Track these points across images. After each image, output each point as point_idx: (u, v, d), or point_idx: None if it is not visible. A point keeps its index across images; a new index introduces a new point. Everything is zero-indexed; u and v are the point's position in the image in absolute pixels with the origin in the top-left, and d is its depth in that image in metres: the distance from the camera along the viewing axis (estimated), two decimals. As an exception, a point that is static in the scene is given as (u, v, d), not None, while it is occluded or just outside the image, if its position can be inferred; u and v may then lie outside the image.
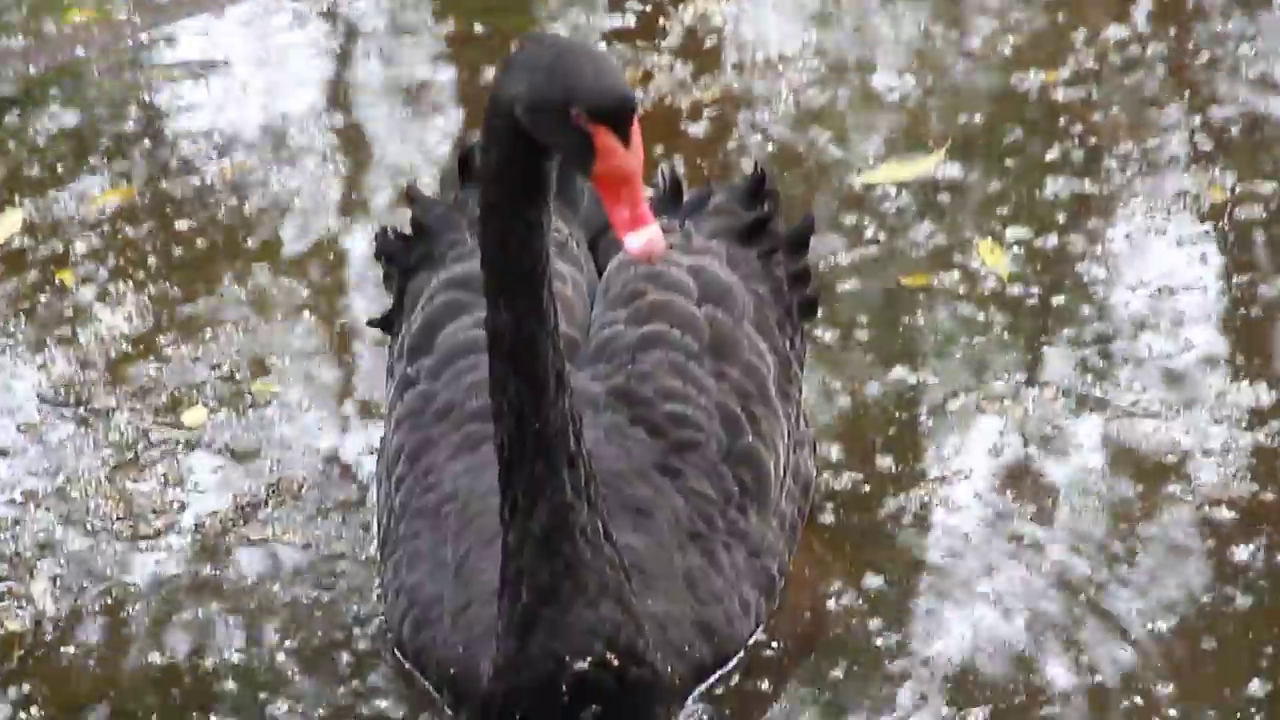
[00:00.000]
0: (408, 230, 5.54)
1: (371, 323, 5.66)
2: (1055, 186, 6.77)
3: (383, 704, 5.02)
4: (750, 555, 5.06)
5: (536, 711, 4.71)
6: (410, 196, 5.60)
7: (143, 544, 5.56)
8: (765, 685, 5.01)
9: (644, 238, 4.28)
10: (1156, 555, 5.34)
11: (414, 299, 5.39)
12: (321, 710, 5.01)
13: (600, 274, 5.36)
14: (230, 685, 5.12)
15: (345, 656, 5.16)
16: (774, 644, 5.09)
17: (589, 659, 4.66)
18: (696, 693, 4.93)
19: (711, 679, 4.97)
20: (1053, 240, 6.52)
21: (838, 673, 5.05)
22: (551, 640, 4.66)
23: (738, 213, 5.43)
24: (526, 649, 4.67)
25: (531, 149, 4.40)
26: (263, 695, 5.07)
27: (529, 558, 4.62)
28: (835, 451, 5.72)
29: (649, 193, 5.56)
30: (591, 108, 4.25)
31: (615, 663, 4.67)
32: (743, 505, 5.07)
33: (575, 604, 4.64)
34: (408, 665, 5.02)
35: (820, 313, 5.70)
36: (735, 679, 4.98)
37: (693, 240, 5.34)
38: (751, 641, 5.05)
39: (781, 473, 5.17)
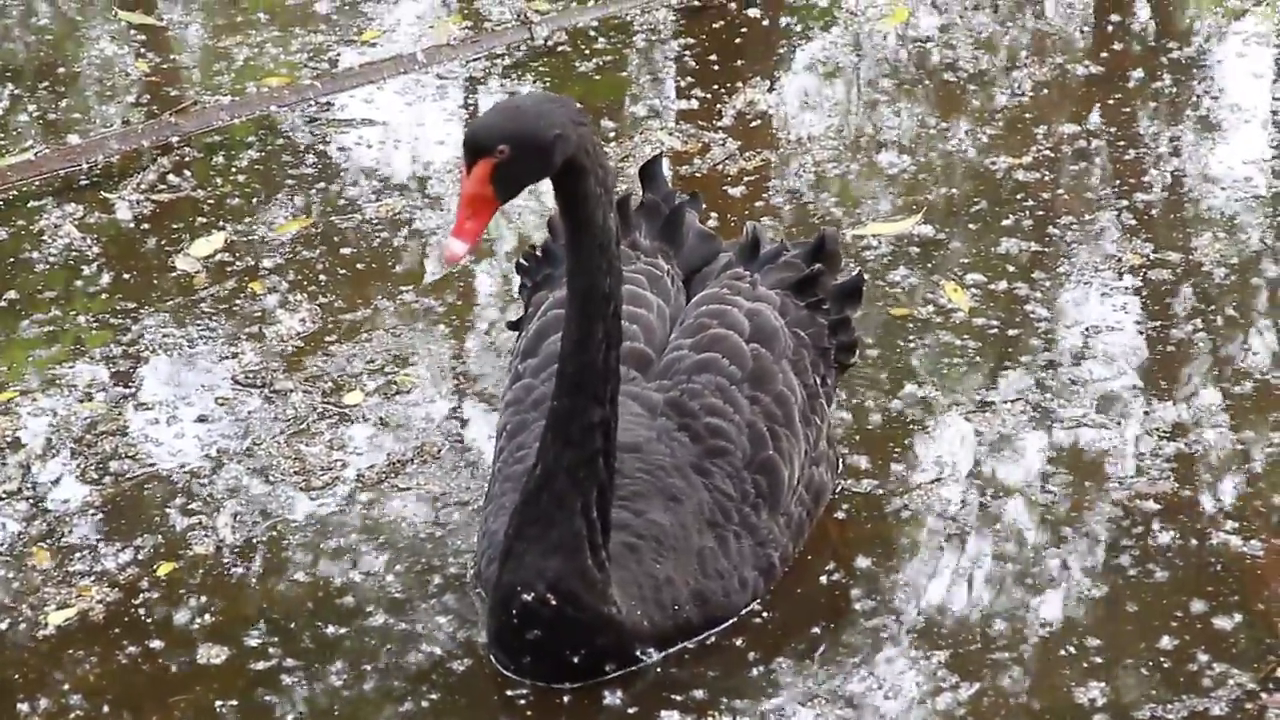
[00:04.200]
0: (539, 253, 5.52)
1: (511, 325, 5.63)
2: (1009, 245, 6.64)
3: (442, 620, 4.97)
4: (756, 544, 4.95)
5: (501, 627, 4.72)
6: (550, 227, 5.58)
7: (311, 492, 5.53)
8: (740, 641, 4.89)
9: (446, 244, 4.40)
10: (1094, 537, 5.26)
11: (536, 309, 5.35)
12: (403, 625, 4.96)
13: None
14: (349, 600, 5.09)
15: (436, 579, 5.14)
16: (765, 613, 4.97)
17: (533, 594, 4.62)
18: (680, 645, 4.82)
19: (699, 636, 4.86)
20: (1003, 285, 6.39)
21: (816, 630, 4.94)
22: (514, 572, 4.65)
23: (799, 267, 5.33)
24: (501, 574, 4.69)
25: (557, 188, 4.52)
26: (369, 608, 5.04)
27: (521, 501, 4.67)
28: (864, 461, 5.56)
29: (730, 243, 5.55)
30: None
31: (553, 602, 4.61)
32: (756, 504, 4.95)
33: (534, 549, 4.62)
34: (479, 589, 5.01)
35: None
36: (713, 638, 4.87)
37: (756, 289, 5.24)
38: (745, 611, 4.94)
39: (795, 482, 5.05)
